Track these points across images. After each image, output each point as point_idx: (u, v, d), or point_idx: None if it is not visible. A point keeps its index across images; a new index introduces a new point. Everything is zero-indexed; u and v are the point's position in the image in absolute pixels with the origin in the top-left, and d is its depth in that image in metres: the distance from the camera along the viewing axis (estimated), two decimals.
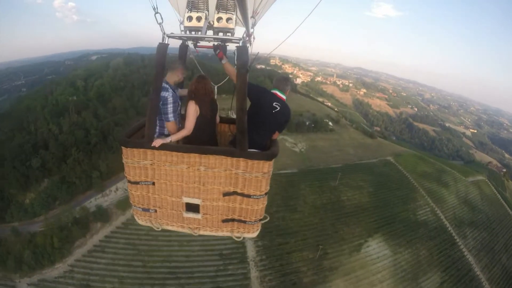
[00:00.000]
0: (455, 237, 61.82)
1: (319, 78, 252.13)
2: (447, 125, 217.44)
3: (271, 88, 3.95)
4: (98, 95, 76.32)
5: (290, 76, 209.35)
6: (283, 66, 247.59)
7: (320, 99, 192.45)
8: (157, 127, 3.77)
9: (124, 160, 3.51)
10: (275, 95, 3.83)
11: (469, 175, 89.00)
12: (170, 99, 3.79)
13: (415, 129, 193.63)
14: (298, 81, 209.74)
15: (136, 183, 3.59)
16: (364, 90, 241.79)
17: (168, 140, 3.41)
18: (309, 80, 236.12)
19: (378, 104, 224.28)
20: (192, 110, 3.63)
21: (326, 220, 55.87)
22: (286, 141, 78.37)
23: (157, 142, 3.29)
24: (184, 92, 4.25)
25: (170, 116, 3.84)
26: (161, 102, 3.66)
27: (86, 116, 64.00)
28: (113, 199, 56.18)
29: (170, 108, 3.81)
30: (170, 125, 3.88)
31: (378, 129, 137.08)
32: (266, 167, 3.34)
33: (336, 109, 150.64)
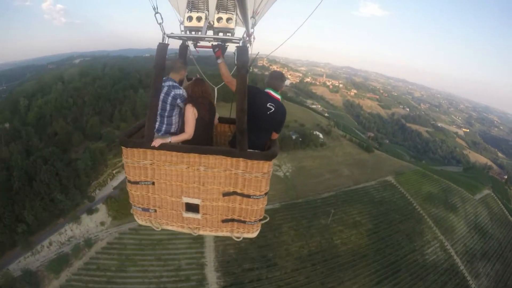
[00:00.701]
0: (468, 278, 52.68)
1: (308, 79, 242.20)
2: (439, 125, 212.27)
3: (264, 87, 3.86)
4: (39, 118, 62.83)
5: None
6: (271, 67, 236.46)
7: (310, 101, 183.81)
8: (164, 125, 3.79)
9: (124, 160, 3.51)
10: (269, 95, 3.76)
11: (475, 191, 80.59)
12: (185, 95, 3.77)
13: (408, 131, 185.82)
14: (287, 82, 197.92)
15: (136, 183, 3.58)
16: (355, 91, 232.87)
17: (168, 140, 3.40)
18: (298, 81, 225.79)
19: (369, 105, 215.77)
20: (191, 114, 3.63)
21: (314, 277, 44.22)
22: None
23: (157, 142, 3.28)
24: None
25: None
26: (178, 100, 3.70)
27: (14, 149, 50.42)
28: (46, 257, 43.79)
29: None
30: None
31: (372, 134, 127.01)
32: (266, 167, 3.32)
33: (326, 114, 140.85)
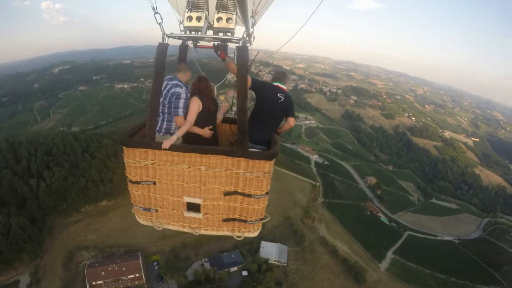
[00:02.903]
0: None
1: (303, 85, 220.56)
2: (447, 135, 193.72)
3: (272, 81, 4.33)
4: None
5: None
6: (266, 69, 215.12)
7: (303, 115, 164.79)
8: (165, 123, 3.85)
9: (125, 160, 3.53)
10: (277, 87, 4.20)
11: None
12: (183, 95, 3.80)
13: (414, 148, 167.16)
14: None
15: (137, 182, 3.62)
16: (355, 98, 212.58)
17: (175, 138, 3.42)
18: (291, 88, 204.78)
19: (371, 115, 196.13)
20: (195, 105, 3.77)
21: None
22: None
23: (166, 144, 3.30)
24: None
25: (181, 110, 3.80)
26: (174, 97, 3.73)
27: None
28: None
29: (182, 103, 3.80)
30: (178, 119, 3.83)
31: (373, 181, 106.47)
32: (267, 167, 3.38)
33: (313, 182, 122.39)
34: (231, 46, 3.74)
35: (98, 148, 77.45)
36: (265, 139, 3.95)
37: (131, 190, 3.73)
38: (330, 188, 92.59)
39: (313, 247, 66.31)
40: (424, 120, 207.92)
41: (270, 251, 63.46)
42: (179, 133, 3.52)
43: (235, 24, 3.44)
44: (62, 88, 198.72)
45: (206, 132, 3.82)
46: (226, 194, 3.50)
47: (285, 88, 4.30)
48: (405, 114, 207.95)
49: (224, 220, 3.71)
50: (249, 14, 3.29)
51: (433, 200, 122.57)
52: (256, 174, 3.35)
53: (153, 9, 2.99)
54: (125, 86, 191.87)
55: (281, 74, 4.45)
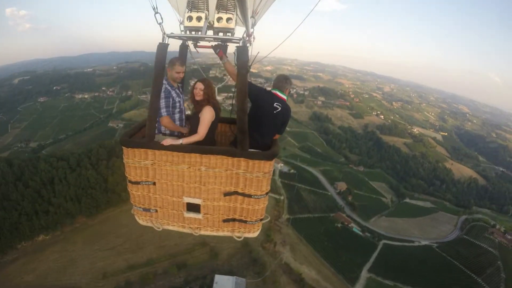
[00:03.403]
0: None
1: (269, 88, 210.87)
2: (416, 131, 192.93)
3: (271, 88, 4.08)
4: None
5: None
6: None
7: None
8: (157, 123, 3.81)
9: (125, 160, 3.54)
10: (275, 95, 3.94)
11: None
12: (161, 94, 3.67)
13: (384, 147, 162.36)
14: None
15: (137, 183, 3.61)
16: (322, 99, 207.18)
17: (179, 142, 3.44)
18: None
19: (339, 115, 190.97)
20: (210, 116, 3.70)
21: None
22: None
23: (167, 142, 3.32)
24: None
25: (163, 111, 3.76)
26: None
27: None
28: None
29: (162, 102, 3.74)
30: (163, 120, 3.80)
31: (344, 187, 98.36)
32: (267, 167, 3.36)
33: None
34: (231, 46, 3.74)
35: (33, 175, 68.72)
36: (260, 145, 3.70)
37: (131, 190, 3.69)
38: (296, 201, 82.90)
39: (276, 277, 56.16)
40: (392, 118, 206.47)
41: (225, 285, 52.72)
42: (185, 141, 3.47)
43: (235, 24, 3.39)
44: (21, 100, 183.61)
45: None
46: (226, 194, 3.47)
47: (284, 97, 3.96)
48: (373, 113, 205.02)
49: (224, 221, 3.66)
50: (249, 14, 3.30)
51: (407, 200, 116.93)
52: (256, 174, 3.32)
53: (153, 9, 2.98)
54: (86, 96, 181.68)
55: (281, 81, 4.04)
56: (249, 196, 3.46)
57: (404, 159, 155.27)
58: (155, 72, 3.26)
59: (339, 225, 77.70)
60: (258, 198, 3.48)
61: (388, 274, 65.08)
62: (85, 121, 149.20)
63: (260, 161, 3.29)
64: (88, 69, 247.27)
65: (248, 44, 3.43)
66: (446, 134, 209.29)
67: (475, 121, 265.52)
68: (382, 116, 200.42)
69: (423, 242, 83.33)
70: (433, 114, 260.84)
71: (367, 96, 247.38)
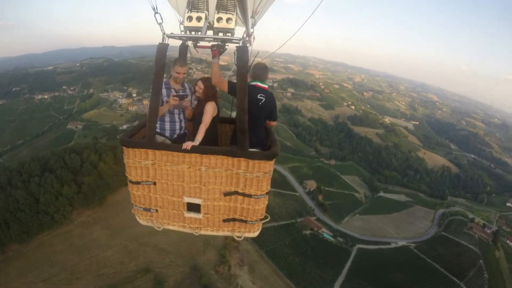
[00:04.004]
0: None
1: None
2: (387, 120, 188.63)
3: (250, 81, 3.91)
4: None
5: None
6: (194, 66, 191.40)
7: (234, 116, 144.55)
8: (168, 124, 3.98)
9: (125, 160, 3.55)
10: (257, 87, 3.88)
11: None
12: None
13: (356, 138, 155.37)
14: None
15: (137, 183, 3.61)
16: (292, 90, 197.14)
17: (196, 142, 3.48)
18: None
19: (309, 107, 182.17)
20: (212, 109, 3.86)
21: None
22: None
23: (188, 145, 3.32)
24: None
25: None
26: None
27: None
28: None
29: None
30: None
31: (314, 185, 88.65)
32: (267, 167, 3.35)
33: None
34: (232, 46, 3.70)
35: None
36: (254, 141, 3.69)
37: (131, 190, 3.69)
38: None
39: None
40: (363, 108, 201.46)
41: None
42: (198, 137, 3.57)
43: (235, 24, 3.38)
44: None
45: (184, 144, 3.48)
46: (226, 194, 3.46)
47: (266, 86, 3.95)
48: (344, 104, 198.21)
49: (224, 221, 3.66)
50: (249, 14, 3.31)
51: (381, 194, 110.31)
52: (256, 174, 3.30)
53: (153, 9, 2.99)
54: (46, 97, 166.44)
55: (260, 70, 3.95)
56: (249, 196, 3.42)
57: (377, 150, 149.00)
58: (155, 72, 3.25)
59: (308, 232, 67.79)
60: (258, 198, 3.45)
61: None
62: (44, 124, 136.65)
63: (260, 161, 3.25)
64: (49, 67, 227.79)
65: (248, 44, 3.46)
66: (418, 123, 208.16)
67: (444, 109, 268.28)
68: (353, 107, 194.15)
69: (400, 243, 75.44)
70: (403, 103, 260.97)
71: (337, 86, 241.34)
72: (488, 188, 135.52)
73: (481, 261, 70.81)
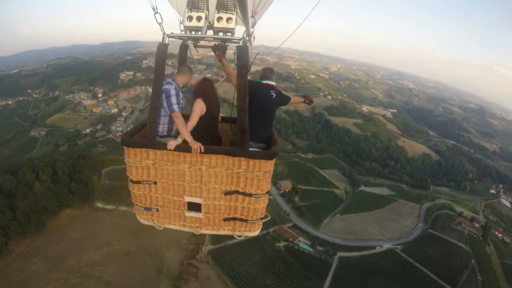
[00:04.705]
0: None
1: (209, 75, 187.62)
2: (365, 109, 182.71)
3: (260, 80, 4.12)
4: None
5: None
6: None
7: None
8: (166, 125, 3.79)
9: (126, 160, 3.53)
10: (267, 85, 4.04)
11: None
12: (173, 91, 3.62)
13: (334, 129, 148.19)
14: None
15: (138, 182, 3.61)
16: None
17: (179, 140, 3.41)
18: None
19: None
20: (199, 106, 3.74)
21: None
22: None
23: (171, 145, 3.28)
24: None
25: (175, 106, 3.62)
26: (164, 95, 3.57)
27: None
28: None
29: (174, 99, 3.64)
30: (176, 115, 3.65)
31: (288, 186, 79.22)
32: (267, 166, 3.36)
33: None
34: (231, 46, 3.65)
35: None
36: (264, 137, 3.78)
37: (132, 189, 3.67)
38: None
39: None
40: (340, 97, 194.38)
41: None
42: (183, 134, 3.43)
43: (235, 24, 3.38)
44: None
45: (194, 145, 3.32)
46: (227, 193, 3.45)
47: (274, 84, 4.16)
48: (320, 94, 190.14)
49: (225, 220, 3.64)
50: (249, 14, 3.29)
51: (362, 188, 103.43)
52: (257, 173, 3.29)
53: (153, 9, 2.97)
54: (10, 102, 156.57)
55: (268, 72, 4.24)
56: (250, 195, 3.40)
57: (355, 140, 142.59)
58: (155, 72, 3.23)
59: (282, 244, 58.28)
60: (258, 197, 3.43)
61: None
62: (7, 132, 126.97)
63: (260, 160, 3.24)
64: (14, 71, 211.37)
65: (248, 44, 3.40)
66: (396, 110, 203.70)
67: (421, 96, 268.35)
68: (330, 97, 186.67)
69: (385, 246, 67.77)
70: (380, 91, 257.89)
71: (313, 77, 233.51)
72: (470, 175, 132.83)
73: (473, 261, 64.41)
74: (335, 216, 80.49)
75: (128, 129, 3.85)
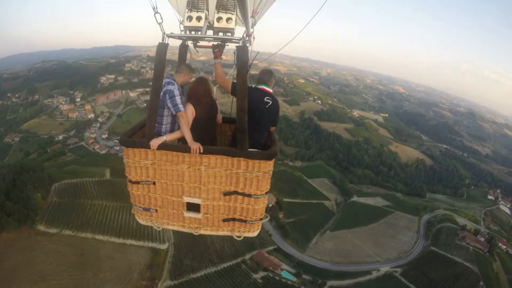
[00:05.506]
0: None
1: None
2: (356, 114, 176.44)
3: (256, 84, 3.99)
4: None
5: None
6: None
7: None
8: (169, 125, 3.80)
9: (124, 160, 3.53)
10: (263, 91, 3.89)
11: None
12: (176, 92, 3.64)
13: (324, 135, 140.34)
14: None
15: (137, 182, 3.60)
16: (253, 86, 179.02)
17: (163, 139, 3.36)
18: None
19: None
20: (189, 112, 3.70)
21: None
22: None
23: (153, 144, 3.27)
24: None
25: (181, 106, 3.63)
26: (167, 95, 3.60)
27: None
28: None
29: (178, 98, 3.65)
30: (181, 114, 3.64)
31: (272, 200, 69.78)
32: (266, 167, 3.34)
33: None
34: (231, 46, 3.68)
35: None
36: (255, 145, 3.60)
37: (131, 190, 3.66)
38: (190, 248, 51.62)
39: None
40: (330, 102, 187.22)
41: None
42: (168, 138, 3.42)
43: (235, 24, 3.37)
44: None
45: (193, 145, 3.30)
46: (226, 194, 3.43)
47: (271, 91, 3.93)
48: (310, 98, 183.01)
49: (224, 220, 3.62)
50: (249, 14, 3.30)
51: (355, 199, 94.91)
52: (256, 174, 3.27)
53: (153, 9, 2.95)
54: None
55: (266, 75, 3.96)
56: (249, 195, 3.39)
57: (346, 146, 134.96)
58: (155, 72, 3.19)
59: (260, 275, 48.74)
60: (257, 197, 3.41)
61: None
62: None
63: (260, 161, 3.22)
64: None
65: (248, 44, 3.40)
66: (387, 115, 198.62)
67: (412, 100, 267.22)
68: (320, 101, 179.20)
69: (383, 269, 59.00)
70: (371, 95, 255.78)
71: (303, 81, 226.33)
72: (466, 180, 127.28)
73: (481, 283, 56.20)
74: (325, 233, 71.76)
75: (125, 132, 3.66)
